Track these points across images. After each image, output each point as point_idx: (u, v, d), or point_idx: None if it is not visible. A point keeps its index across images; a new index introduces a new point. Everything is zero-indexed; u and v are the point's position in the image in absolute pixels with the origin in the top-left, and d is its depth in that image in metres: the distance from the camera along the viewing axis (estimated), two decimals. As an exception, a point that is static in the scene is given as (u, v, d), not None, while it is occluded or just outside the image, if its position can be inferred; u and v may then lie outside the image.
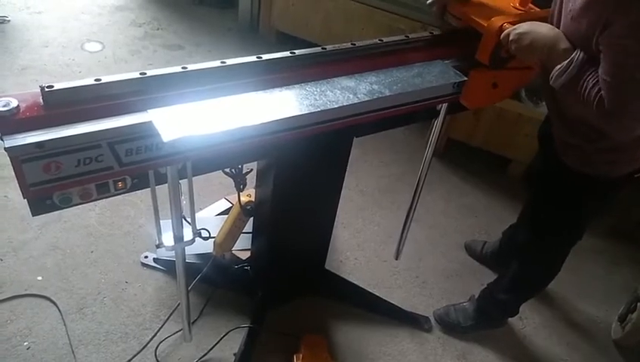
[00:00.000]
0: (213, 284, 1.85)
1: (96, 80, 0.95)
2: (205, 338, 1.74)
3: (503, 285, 1.81)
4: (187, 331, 1.46)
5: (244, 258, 1.91)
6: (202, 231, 1.29)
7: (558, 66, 1.09)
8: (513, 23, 1.19)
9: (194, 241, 1.22)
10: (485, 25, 1.23)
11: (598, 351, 1.99)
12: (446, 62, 1.30)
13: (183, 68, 1.04)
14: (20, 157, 0.84)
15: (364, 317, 1.92)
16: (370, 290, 1.98)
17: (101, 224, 2.07)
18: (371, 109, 1.14)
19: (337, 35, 3.02)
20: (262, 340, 1.74)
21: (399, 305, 1.96)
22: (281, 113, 1.01)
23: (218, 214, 2.12)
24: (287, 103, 1.05)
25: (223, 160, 1.17)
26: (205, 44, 3.38)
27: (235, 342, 1.74)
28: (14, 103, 0.87)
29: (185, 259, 1.27)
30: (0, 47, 2.97)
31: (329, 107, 1.05)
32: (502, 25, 1.20)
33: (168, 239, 1.19)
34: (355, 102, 1.08)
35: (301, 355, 1.66)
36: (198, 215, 1.65)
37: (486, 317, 1.90)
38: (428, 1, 1.40)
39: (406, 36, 1.32)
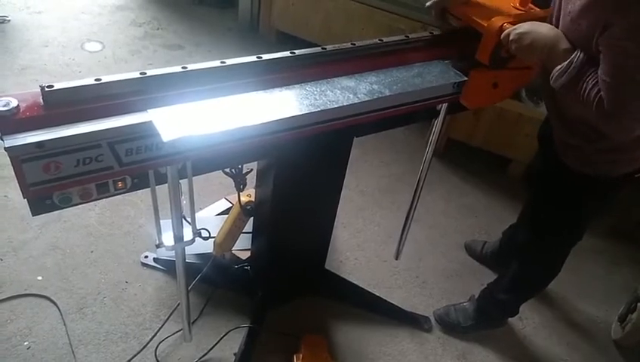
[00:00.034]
0: (213, 284, 1.85)
1: (96, 80, 0.95)
2: (205, 338, 1.74)
3: (503, 285, 1.81)
4: (187, 331, 1.45)
5: (244, 258, 1.91)
6: (202, 231, 1.29)
7: (558, 67, 1.09)
8: (513, 23, 1.19)
9: (194, 241, 1.22)
10: (485, 25, 1.23)
11: (598, 351, 1.99)
12: (446, 62, 1.30)
13: (183, 68, 1.04)
14: (20, 157, 0.84)
15: (364, 317, 1.92)
16: (370, 290, 1.98)
17: (101, 224, 2.07)
18: (371, 109, 1.14)
19: (337, 35, 3.03)
20: (262, 340, 1.74)
21: (399, 305, 1.96)
22: (281, 113, 1.01)
23: (218, 214, 2.12)
24: (287, 103, 1.05)
25: (223, 160, 1.17)
26: (205, 44, 3.38)
27: (235, 341, 1.74)
28: (14, 103, 0.87)
29: (185, 259, 1.27)
30: (0, 47, 2.97)
31: (329, 107, 1.05)
32: (502, 25, 1.20)
33: (168, 239, 1.19)
34: (355, 102, 1.08)
35: (301, 355, 1.66)
36: (198, 215, 1.65)
37: (486, 317, 1.90)
38: (427, 4, 1.40)
39: (406, 36, 1.32)
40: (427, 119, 1.78)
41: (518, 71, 1.32)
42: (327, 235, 1.78)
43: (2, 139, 0.84)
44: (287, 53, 1.15)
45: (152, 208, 1.17)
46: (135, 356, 1.65)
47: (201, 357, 1.69)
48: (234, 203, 1.75)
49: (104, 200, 1.03)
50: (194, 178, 1.10)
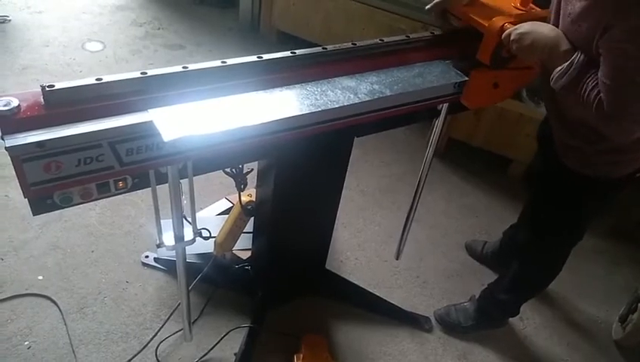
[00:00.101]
0: (213, 284, 1.85)
1: (97, 79, 0.95)
2: (206, 337, 1.74)
3: (503, 285, 1.81)
4: (187, 331, 1.46)
5: (244, 258, 1.91)
6: (203, 230, 1.29)
7: (559, 68, 1.09)
8: (514, 23, 1.19)
9: (194, 241, 1.22)
10: (486, 25, 1.23)
11: (599, 351, 1.99)
12: (447, 62, 1.30)
13: (183, 67, 1.04)
14: (20, 157, 0.84)
15: (364, 317, 1.92)
16: (371, 290, 1.98)
17: (102, 223, 2.07)
18: (372, 109, 1.14)
19: (338, 35, 3.03)
20: (262, 340, 1.74)
21: (400, 305, 1.95)
22: (281, 113, 1.01)
23: (219, 214, 2.12)
24: (288, 103, 1.05)
25: (223, 160, 1.17)
26: (206, 44, 3.38)
27: (235, 341, 1.74)
28: (15, 103, 0.87)
29: (185, 259, 1.27)
30: (1, 47, 2.97)
31: (330, 107, 1.05)
32: (503, 25, 1.20)
33: (169, 239, 1.19)
34: (356, 102, 1.08)
35: (301, 355, 1.66)
36: (198, 214, 1.64)
37: (486, 317, 1.90)
38: (427, 7, 1.40)
39: (407, 36, 1.32)
40: (428, 119, 1.78)
41: (519, 71, 1.32)
42: (327, 235, 1.78)
43: (3, 139, 0.84)
44: (287, 53, 1.15)
45: (152, 208, 1.17)
46: (135, 356, 1.65)
47: (201, 357, 1.69)
48: (234, 203, 1.75)
49: (105, 199, 1.03)
50: (194, 178, 1.10)
